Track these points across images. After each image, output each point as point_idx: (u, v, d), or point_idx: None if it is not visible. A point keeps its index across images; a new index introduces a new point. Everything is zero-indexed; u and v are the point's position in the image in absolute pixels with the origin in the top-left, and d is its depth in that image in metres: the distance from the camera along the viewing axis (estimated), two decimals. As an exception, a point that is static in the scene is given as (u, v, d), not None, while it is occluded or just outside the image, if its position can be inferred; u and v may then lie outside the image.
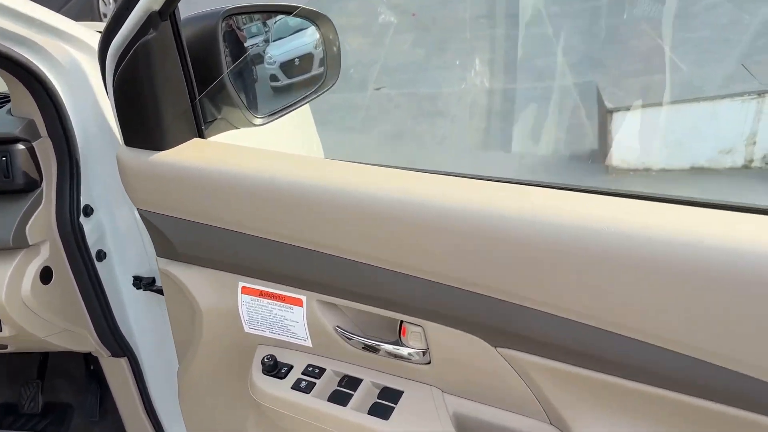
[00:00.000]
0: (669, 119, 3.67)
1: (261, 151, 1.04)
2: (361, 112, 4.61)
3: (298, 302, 1.01)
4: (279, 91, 1.38)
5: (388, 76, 5.23)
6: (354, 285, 0.94)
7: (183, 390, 1.22)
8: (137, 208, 1.09)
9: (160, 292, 1.37)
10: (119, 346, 1.39)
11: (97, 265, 1.31)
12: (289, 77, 1.41)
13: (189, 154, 1.04)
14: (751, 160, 3.57)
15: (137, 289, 1.40)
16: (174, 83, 1.02)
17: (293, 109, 1.27)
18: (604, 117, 3.70)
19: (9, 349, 1.37)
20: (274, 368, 1.03)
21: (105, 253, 1.33)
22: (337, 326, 1.00)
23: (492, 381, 0.89)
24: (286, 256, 0.98)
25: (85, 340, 1.38)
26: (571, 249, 0.76)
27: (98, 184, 1.30)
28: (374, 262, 0.90)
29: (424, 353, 0.93)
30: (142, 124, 1.04)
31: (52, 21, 1.18)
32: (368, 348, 0.98)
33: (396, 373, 0.99)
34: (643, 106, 3.67)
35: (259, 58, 1.35)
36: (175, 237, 1.07)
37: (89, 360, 1.78)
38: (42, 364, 1.86)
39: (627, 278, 0.74)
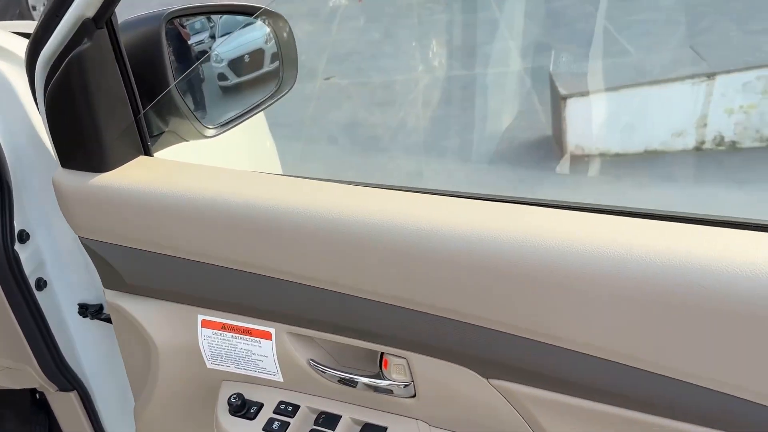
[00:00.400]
0: (622, 103, 3.68)
1: (216, 169, 0.95)
2: (311, 104, 4.49)
3: (266, 335, 0.92)
4: (231, 96, 1.27)
5: (337, 65, 5.12)
6: (329, 316, 0.85)
7: (141, 429, 1.12)
8: (79, 237, 0.98)
9: (109, 320, 1.26)
10: (67, 380, 1.27)
11: (37, 294, 1.19)
12: (240, 75, 1.30)
13: (135, 175, 0.93)
14: (703, 142, 3.61)
15: (84, 317, 1.28)
16: (114, 97, 0.91)
17: (247, 117, 1.17)
18: (558, 103, 3.69)
19: None
20: (242, 408, 0.94)
21: (45, 282, 1.21)
22: (311, 359, 0.91)
23: (483, 413, 0.83)
24: (250, 287, 0.89)
25: (29, 376, 1.25)
26: (560, 273, 0.70)
27: (34, 207, 1.17)
28: (352, 292, 0.82)
29: (406, 386, 0.86)
30: (80, 143, 0.92)
31: None
32: (345, 382, 0.90)
33: (377, 407, 0.91)
34: (597, 91, 3.67)
35: (207, 60, 1.24)
36: (123, 267, 0.96)
37: (35, 390, 1.64)
38: None
39: (623, 304, 0.68)
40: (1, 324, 1.17)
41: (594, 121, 3.63)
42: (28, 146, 1.14)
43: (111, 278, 1.00)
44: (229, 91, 1.31)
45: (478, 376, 0.81)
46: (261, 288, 0.88)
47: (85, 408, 1.32)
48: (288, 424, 0.91)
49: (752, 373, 0.66)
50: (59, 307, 1.26)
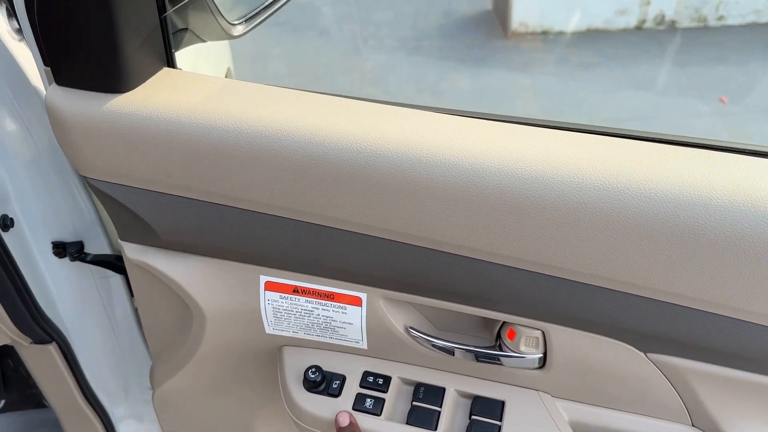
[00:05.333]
0: (568, -22, 3.49)
1: (280, 90, 0.72)
2: None
3: (355, 301, 0.75)
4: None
5: None
6: (443, 281, 0.69)
7: (164, 396, 0.94)
8: (87, 178, 0.73)
9: (96, 263, 1.03)
10: (45, 331, 1.05)
11: (3, 235, 0.94)
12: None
13: (165, 96, 0.69)
14: (644, 21, 3.54)
15: (60, 258, 1.04)
16: None
17: (278, 8, 0.91)
18: (502, -24, 3.45)
19: None
20: (321, 383, 0.78)
21: (12, 220, 0.95)
22: (410, 327, 0.76)
23: (630, 386, 0.72)
24: (337, 246, 0.70)
25: None
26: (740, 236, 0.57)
27: None
28: (487, 257, 0.65)
29: (540, 360, 0.73)
30: (90, 53, 0.66)
31: None
32: (447, 351, 0.76)
33: (481, 375, 0.78)
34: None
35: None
36: (155, 218, 0.73)
37: None
38: None
39: None
40: None
41: (538, -3, 3.44)
42: None
43: (133, 230, 0.77)
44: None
45: (635, 349, 0.69)
46: (350, 246, 0.69)
47: (67, 361, 1.11)
48: (382, 401, 0.77)
49: None
50: (29, 248, 1.00)
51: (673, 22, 3.54)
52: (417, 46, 3.47)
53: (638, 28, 3.55)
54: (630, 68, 3.32)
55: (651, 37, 3.51)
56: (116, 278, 1.11)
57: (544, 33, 3.52)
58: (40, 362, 1.11)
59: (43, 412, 1.46)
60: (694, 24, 3.55)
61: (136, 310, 1.17)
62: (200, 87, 0.71)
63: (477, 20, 3.68)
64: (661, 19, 3.52)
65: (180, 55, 0.78)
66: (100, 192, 0.74)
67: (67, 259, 1.04)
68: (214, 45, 1.28)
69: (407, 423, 0.75)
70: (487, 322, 0.77)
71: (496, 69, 3.29)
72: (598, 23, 3.52)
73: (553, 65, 3.39)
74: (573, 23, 3.52)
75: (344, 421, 0.74)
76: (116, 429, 1.27)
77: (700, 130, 2.91)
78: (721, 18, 3.53)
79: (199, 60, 1.18)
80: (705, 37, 3.50)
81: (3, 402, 1.48)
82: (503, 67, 3.31)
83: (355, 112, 0.67)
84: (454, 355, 0.76)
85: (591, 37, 3.47)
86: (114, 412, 1.25)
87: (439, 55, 3.41)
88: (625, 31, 3.54)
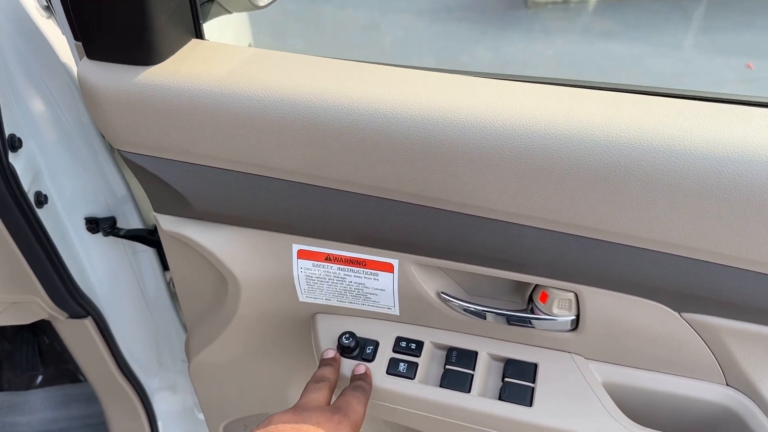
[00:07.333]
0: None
1: (310, 59, 0.72)
2: None
3: (386, 267, 0.75)
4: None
5: None
6: (474, 246, 0.69)
7: (199, 366, 0.96)
8: (121, 152, 0.74)
9: (129, 237, 1.04)
10: (81, 305, 1.07)
11: (38, 212, 0.95)
12: None
13: (197, 67, 0.69)
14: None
15: (93, 233, 1.06)
16: None
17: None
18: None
19: None
20: (355, 348, 0.79)
21: (45, 196, 0.97)
22: (442, 292, 0.76)
23: (664, 345, 0.72)
24: (367, 213, 0.70)
25: (35, 308, 1.04)
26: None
27: (21, 102, 0.90)
28: (520, 221, 0.65)
29: (572, 322, 0.73)
30: (119, 25, 0.66)
31: None
32: (479, 315, 0.76)
33: (513, 339, 0.79)
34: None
35: None
36: (189, 189, 0.74)
37: None
38: None
39: None
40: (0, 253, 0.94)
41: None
42: (7, 24, 0.85)
43: (167, 202, 0.78)
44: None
45: (670, 309, 0.69)
46: (382, 213, 0.70)
47: (102, 335, 1.14)
48: (416, 365, 0.78)
49: None
50: (63, 224, 1.02)
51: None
52: (436, 18, 3.44)
53: (660, -7, 3.48)
54: (654, 36, 3.26)
55: (674, 3, 3.44)
56: (146, 253, 1.13)
57: (565, 2, 3.47)
58: (76, 336, 1.14)
59: (79, 387, 1.50)
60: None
61: (167, 284, 1.19)
62: (229, 57, 0.71)
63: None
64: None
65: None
66: (133, 164, 0.74)
67: (100, 235, 1.06)
68: (235, 21, 1.28)
69: (441, 386, 0.76)
70: (519, 286, 0.77)
71: (518, 39, 3.26)
72: (620, -11, 3.46)
73: (575, 34, 3.34)
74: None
75: (329, 354, 0.76)
76: (151, 400, 1.30)
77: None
78: (747, -19, 3.45)
79: (222, 37, 1.18)
80: (730, 3, 3.42)
81: (41, 377, 1.52)
82: (524, 38, 3.27)
83: (384, 77, 0.67)
84: (486, 319, 0.76)
85: (613, 5, 3.41)
86: (148, 383, 1.28)
87: (459, 27, 3.38)
88: (647, -2, 3.48)
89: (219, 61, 0.70)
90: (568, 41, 3.24)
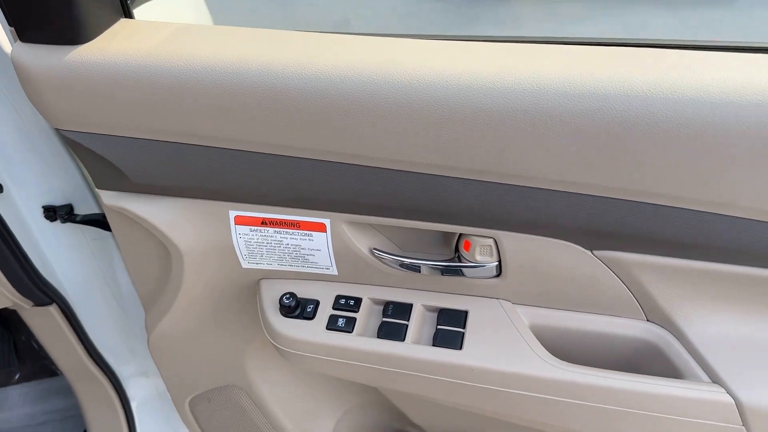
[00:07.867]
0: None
1: (230, 29, 0.75)
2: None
3: (319, 227, 0.79)
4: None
5: None
6: (400, 200, 0.73)
7: (157, 341, 0.99)
8: (60, 130, 0.78)
9: (86, 222, 1.08)
10: (44, 293, 1.10)
11: None
12: None
13: (125, 45, 0.73)
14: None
15: (51, 221, 1.09)
16: None
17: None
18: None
19: None
20: (296, 308, 0.83)
21: (1, 186, 1.00)
22: (374, 248, 0.80)
23: (580, 284, 0.76)
24: (297, 174, 0.74)
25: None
26: (666, 124, 0.60)
27: None
28: (430, 170, 0.69)
29: (497, 268, 0.77)
30: (46, 7, 0.70)
31: None
32: (414, 268, 0.80)
33: (446, 290, 0.82)
34: None
35: None
36: (125, 163, 0.78)
37: None
38: None
39: (738, 152, 0.60)
40: None
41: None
42: None
43: (107, 177, 0.81)
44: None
45: (581, 248, 0.73)
46: (311, 174, 0.73)
47: (69, 322, 1.17)
48: (354, 320, 0.81)
49: None
50: (20, 213, 1.05)
51: (660, -34, 3.51)
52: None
53: (625, -25, 3.53)
54: (620, 17, 3.31)
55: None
56: (109, 239, 1.16)
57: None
58: (44, 325, 1.17)
59: (57, 380, 1.53)
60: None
61: (131, 270, 1.22)
62: (154, 33, 0.75)
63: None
64: (648, -36, 3.49)
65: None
66: (72, 142, 0.78)
67: (58, 222, 1.09)
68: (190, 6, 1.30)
69: (378, 337, 0.79)
70: (446, 238, 0.81)
71: (484, 26, 3.30)
72: (585, -27, 3.50)
73: (542, 22, 3.38)
74: (559, -25, 3.51)
75: None
76: (124, 387, 1.33)
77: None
78: (709, -42, 3.50)
79: (180, 15, 1.20)
80: (693, -21, 3.47)
81: (18, 374, 1.55)
82: (491, 24, 3.31)
83: (310, 41, 0.71)
84: (420, 272, 0.80)
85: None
86: (121, 370, 1.31)
87: (424, 13, 3.43)
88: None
89: (145, 37, 0.73)
90: (535, 29, 3.28)
